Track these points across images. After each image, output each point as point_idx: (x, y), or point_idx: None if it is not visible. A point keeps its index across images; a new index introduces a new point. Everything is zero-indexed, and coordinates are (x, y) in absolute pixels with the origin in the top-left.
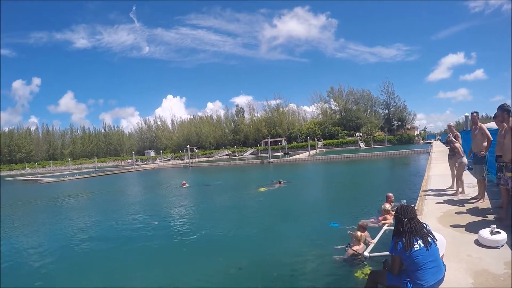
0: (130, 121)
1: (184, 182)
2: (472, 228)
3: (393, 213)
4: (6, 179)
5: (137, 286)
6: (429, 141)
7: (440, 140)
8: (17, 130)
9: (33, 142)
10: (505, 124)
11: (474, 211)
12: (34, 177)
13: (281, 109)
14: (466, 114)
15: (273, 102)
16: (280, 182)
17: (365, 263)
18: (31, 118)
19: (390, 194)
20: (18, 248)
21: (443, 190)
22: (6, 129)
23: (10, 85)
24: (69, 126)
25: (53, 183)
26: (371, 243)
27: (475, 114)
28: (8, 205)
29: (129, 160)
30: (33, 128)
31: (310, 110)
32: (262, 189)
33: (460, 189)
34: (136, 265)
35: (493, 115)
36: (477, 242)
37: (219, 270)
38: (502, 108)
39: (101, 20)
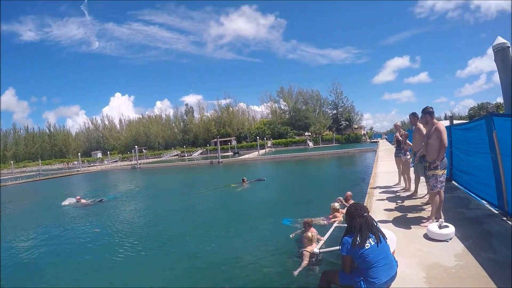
0: (76, 121)
1: (78, 197)
2: (420, 222)
3: (343, 211)
4: None
5: None
6: (375, 140)
7: (386, 139)
8: None
9: None
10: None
11: (421, 207)
12: None
13: (231, 108)
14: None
15: (223, 102)
16: (243, 181)
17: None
18: None
19: (349, 193)
20: None
21: (390, 186)
22: None
23: None
24: (11, 125)
25: None
26: (320, 239)
27: (410, 115)
28: None
29: (75, 162)
30: None
31: (260, 110)
32: (233, 185)
33: (407, 186)
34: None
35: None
36: (426, 237)
37: (170, 272)
38: (424, 111)
39: (50, 11)
